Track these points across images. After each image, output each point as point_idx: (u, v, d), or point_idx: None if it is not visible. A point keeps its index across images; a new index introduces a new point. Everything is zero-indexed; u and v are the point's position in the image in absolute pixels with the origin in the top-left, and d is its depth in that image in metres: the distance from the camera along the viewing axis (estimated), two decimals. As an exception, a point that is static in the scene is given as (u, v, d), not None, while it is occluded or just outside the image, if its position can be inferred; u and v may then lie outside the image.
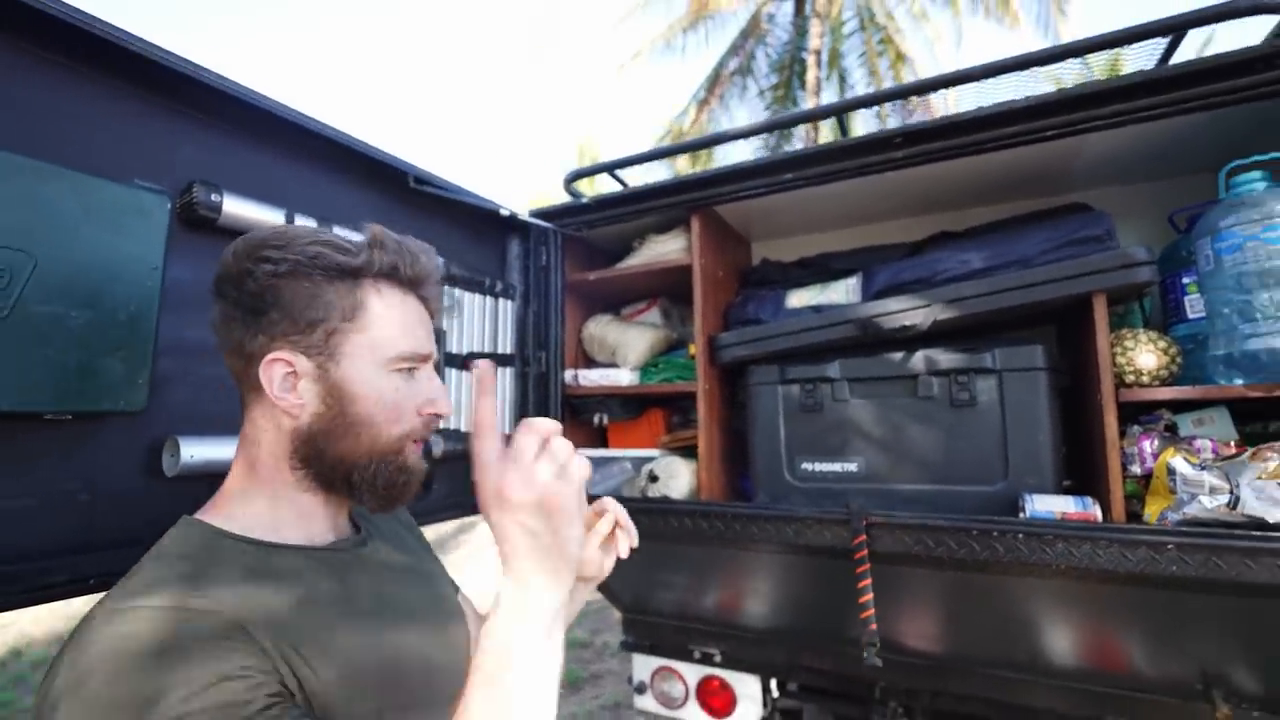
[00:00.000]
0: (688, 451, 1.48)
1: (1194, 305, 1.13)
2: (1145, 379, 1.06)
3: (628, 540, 0.73)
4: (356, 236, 0.65)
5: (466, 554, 6.47)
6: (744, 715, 1.62)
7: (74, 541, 0.76)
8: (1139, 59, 1.10)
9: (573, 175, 1.60)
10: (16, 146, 0.70)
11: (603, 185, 1.96)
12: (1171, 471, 0.96)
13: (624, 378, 1.54)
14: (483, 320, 1.44)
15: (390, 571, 0.68)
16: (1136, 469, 1.05)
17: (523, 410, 1.52)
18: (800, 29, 10.55)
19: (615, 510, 0.73)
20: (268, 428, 0.61)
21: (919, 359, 1.20)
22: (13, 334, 0.68)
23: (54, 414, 0.73)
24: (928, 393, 1.19)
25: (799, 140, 9.40)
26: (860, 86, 10.55)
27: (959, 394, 1.16)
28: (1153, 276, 1.05)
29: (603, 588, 1.38)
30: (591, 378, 1.57)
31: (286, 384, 0.60)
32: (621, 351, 1.59)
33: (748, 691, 1.62)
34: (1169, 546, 0.88)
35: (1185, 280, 1.15)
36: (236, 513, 0.60)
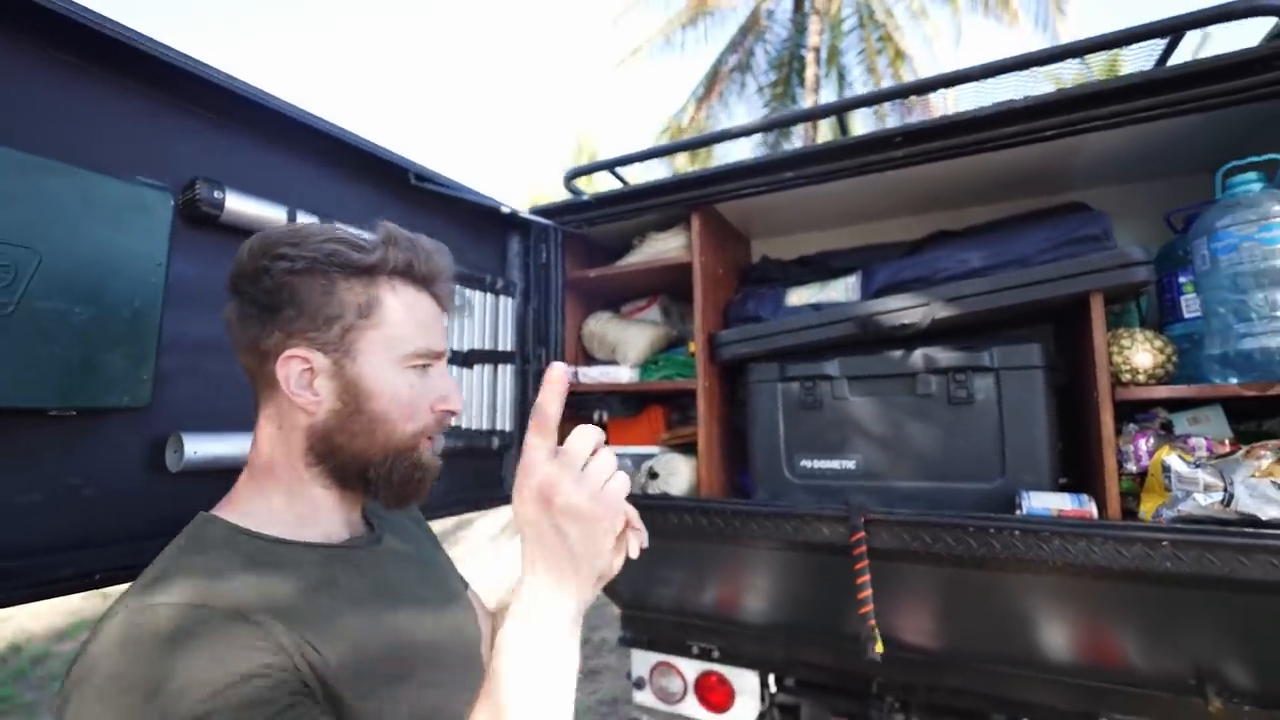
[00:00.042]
0: (687, 448, 1.49)
1: (1190, 305, 1.14)
2: (1141, 378, 1.07)
3: (638, 540, 0.74)
4: (367, 235, 0.65)
5: (465, 550, 6.48)
6: (742, 710, 1.63)
7: (78, 537, 0.77)
8: (1138, 59, 1.10)
9: (573, 173, 1.60)
10: (20, 143, 0.70)
11: (601, 182, 1.96)
12: (1166, 469, 0.97)
13: (624, 375, 1.55)
14: (483, 317, 1.44)
15: (404, 568, 0.68)
16: (1132, 466, 1.06)
17: (523, 407, 1.52)
18: (799, 26, 10.54)
19: (627, 510, 0.74)
20: (283, 424, 0.62)
21: (918, 357, 1.21)
22: (18, 330, 0.68)
23: (59, 410, 0.73)
24: (926, 390, 1.20)
25: (798, 138, 9.40)
26: (859, 84, 10.54)
27: (957, 392, 1.17)
28: (1150, 276, 1.06)
29: (602, 584, 1.39)
30: (592, 375, 1.57)
31: (303, 380, 0.60)
32: (622, 349, 1.59)
33: (746, 687, 1.63)
34: (1163, 543, 0.90)
35: (1182, 280, 1.16)
36: (252, 509, 0.60)
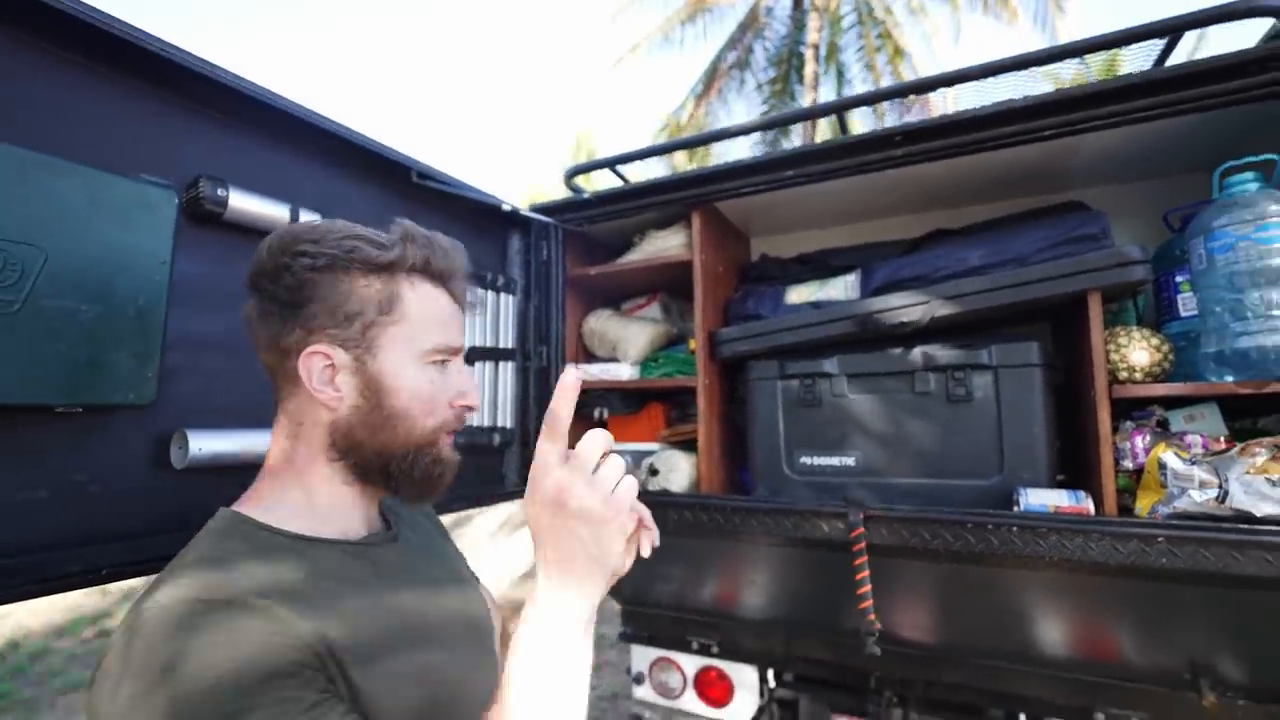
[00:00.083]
0: (687, 445, 1.50)
1: (1187, 303, 1.15)
2: (1138, 376, 1.08)
3: (649, 540, 0.75)
4: (383, 233, 0.65)
5: (465, 547, 6.48)
6: (741, 705, 1.64)
7: (84, 533, 0.77)
8: (1136, 59, 1.11)
9: (573, 170, 1.61)
10: (26, 141, 0.70)
11: (600, 180, 1.96)
12: (1162, 466, 0.98)
13: (624, 372, 1.56)
14: (484, 315, 1.44)
15: (420, 565, 0.69)
16: (1128, 464, 1.07)
17: (524, 405, 1.53)
18: (798, 23, 10.53)
19: (639, 510, 0.75)
20: (304, 421, 0.62)
21: (916, 355, 1.22)
22: (24, 328, 0.68)
23: (65, 407, 0.73)
24: (925, 388, 1.21)
25: (797, 136, 9.39)
26: (858, 81, 10.54)
27: (955, 389, 1.18)
28: (1147, 275, 1.07)
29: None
30: (592, 372, 1.58)
31: (324, 376, 0.60)
32: (622, 346, 1.60)
33: (745, 682, 1.64)
34: (1159, 539, 0.90)
35: (1179, 279, 1.17)
36: (273, 505, 0.61)
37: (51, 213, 0.71)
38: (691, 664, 1.70)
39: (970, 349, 1.17)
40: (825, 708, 1.56)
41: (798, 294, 1.43)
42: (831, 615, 1.45)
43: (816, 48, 10.25)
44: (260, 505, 0.61)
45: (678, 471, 1.44)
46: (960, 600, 1.31)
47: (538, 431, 0.63)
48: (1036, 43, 9.71)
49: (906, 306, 1.21)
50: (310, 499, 0.62)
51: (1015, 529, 0.99)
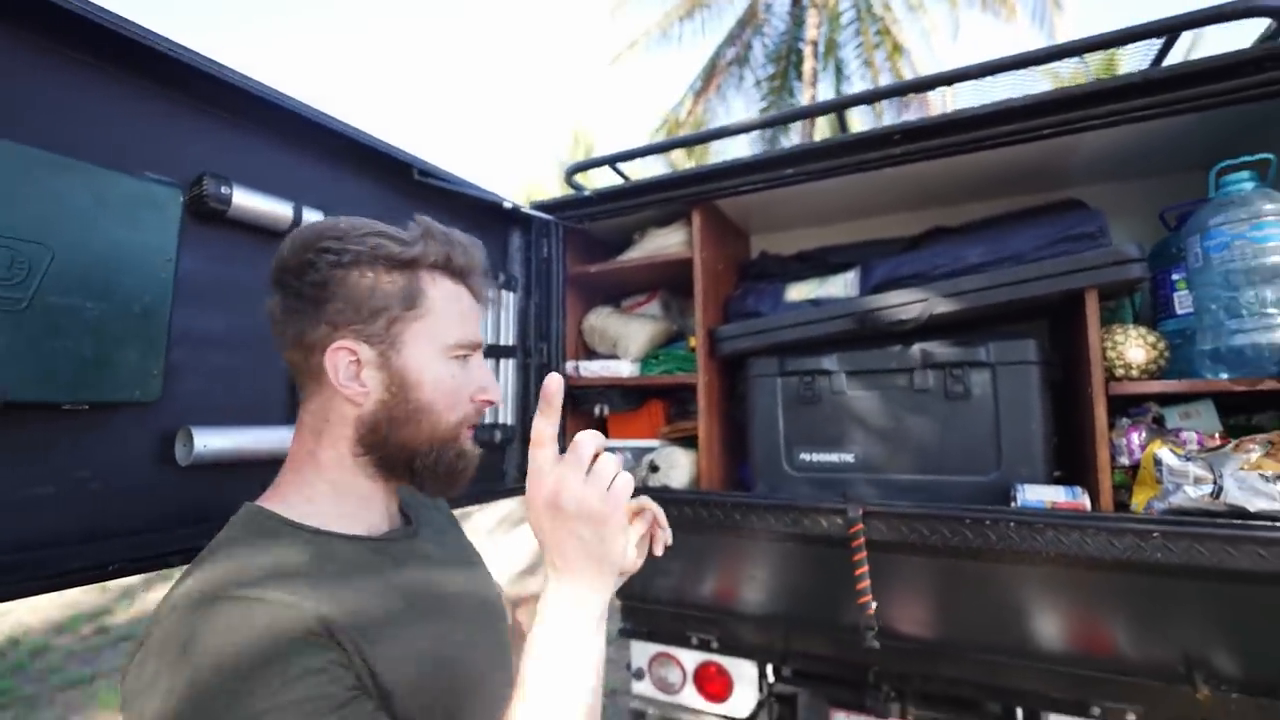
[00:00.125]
0: (687, 442, 1.51)
1: (1183, 301, 1.16)
2: (1134, 373, 1.09)
3: (663, 540, 0.76)
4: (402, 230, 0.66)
5: (462, 544, 6.49)
6: (740, 700, 1.65)
7: (90, 529, 0.78)
8: (1133, 58, 1.12)
9: (574, 168, 1.61)
10: (33, 140, 0.71)
11: (599, 178, 1.97)
12: (1158, 462, 0.99)
13: (624, 369, 1.56)
14: (485, 311, 1.45)
15: (440, 561, 0.69)
16: (1125, 460, 1.08)
17: (525, 401, 1.53)
18: (797, 19, 10.51)
19: (654, 510, 0.76)
20: (330, 416, 0.62)
21: (915, 352, 1.23)
22: (32, 325, 0.69)
23: (71, 404, 0.74)
24: (923, 385, 1.21)
25: (796, 134, 9.39)
26: (856, 77, 10.53)
27: (953, 386, 1.19)
28: (1143, 273, 1.08)
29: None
30: (592, 369, 1.58)
31: (350, 372, 0.61)
32: (622, 343, 1.60)
33: (744, 676, 1.65)
34: (1154, 534, 0.92)
35: (1175, 277, 1.18)
36: (296, 500, 0.61)
37: (58, 211, 0.72)
38: (691, 659, 1.71)
39: (968, 346, 1.18)
40: (824, 702, 1.57)
41: (797, 291, 1.43)
42: (830, 610, 1.46)
43: (815, 44, 10.24)
44: (284, 501, 0.61)
45: (678, 468, 1.44)
46: (958, 595, 1.32)
47: None
48: (1034, 39, 9.72)
49: (905, 304, 1.21)
50: (335, 493, 0.62)
51: (1012, 525, 1.00)
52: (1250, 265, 0.98)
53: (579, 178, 1.62)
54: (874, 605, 1.07)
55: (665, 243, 1.55)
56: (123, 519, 0.81)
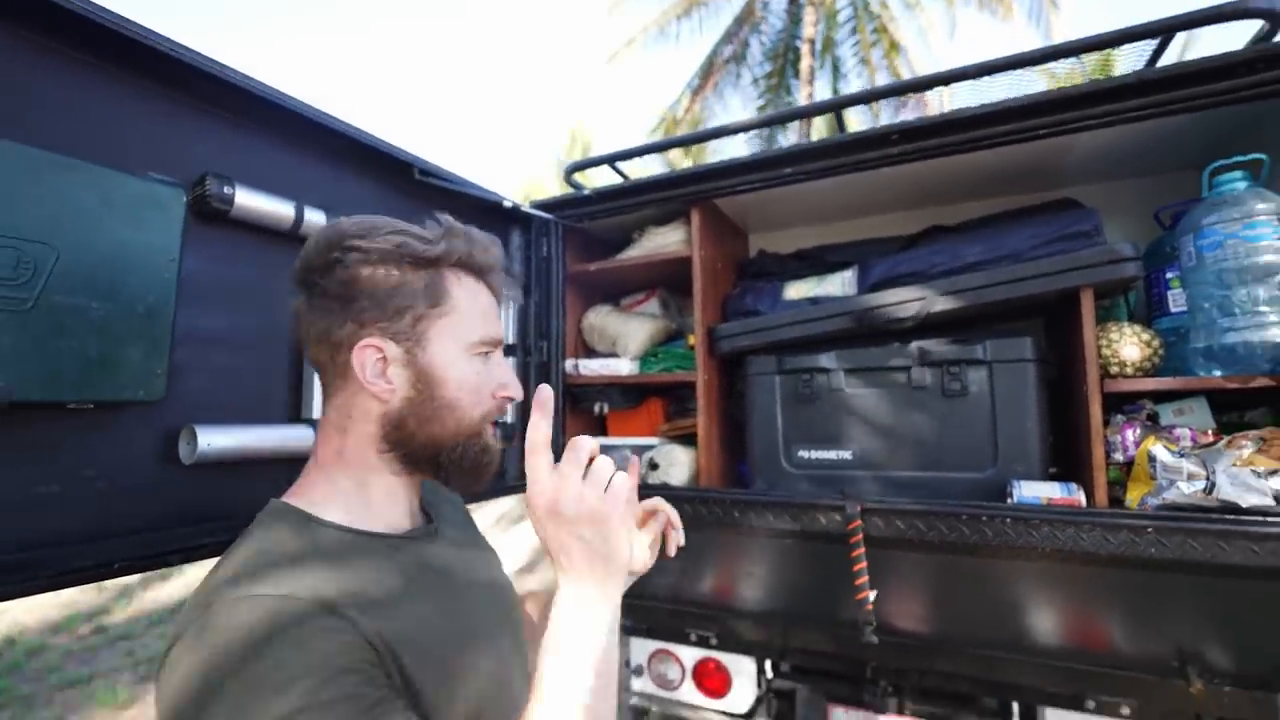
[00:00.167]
0: (687, 439, 1.52)
1: (1176, 300, 1.17)
2: (1129, 370, 1.10)
3: (676, 540, 0.78)
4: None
5: (460, 542, 6.49)
6: (739, 695, 1.66)
7: (95, 528, 0.78)
8: (1129, 59, 1.13)
9: (573, 167, 1.61)
10: (37, 141, 0.71)
11: (598, 177, 1.97)
12: (1152, 459, 1.00)
13: (624, 367, 1.57)
14: (485, 311, 1.45)
15: (460, 559, 0.70)
16: (1119, 456, 1.10)
17: (525, 400, 1.54)
18: (794, 17, 10.52)
19: (667, 511, 0.77)
20: (355, 413, 0.63)
21: (912, 350, 1.24)
22: (37, 325, 0.69)
23: (76, 403, 0.74)
24: (920, 383, 1.23)
25: (793, 133, 9.39)
26: (853, 75, 10.55)
27: (950, 384, 1.20)
28: (1138, 272, 1.09)
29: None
30: (592, 367, 1.59)
31: (377, 369, 0.61)
32: (622, 341, 1.61)
33: (743, 672, 1.66)
34: (1148, 530, 0.93)
35: (1169, 275, 1.19)
36: (321, 497, 0.62)
37: (63, 211, 0.72)
38: (690, 655, 1.72)
39: (965, 344, 1.19)
40: (822, 697, 1.58)
41: (795, 290, 1.44)
42: (829, 607, 1.47)
43: (812, 42, 10.25)
44: (308, 498, 0.61)
45: (677, 465, 1.45)
46: (955, 591, 1.33)
47: None
48: (1031, 38, 9.73)
49: (903, 302, 1.23)
50: (361, 491, 0.63)
51: (1009, 521, 1.01)
52: (1243, 264, 0.99)
53: (578, 177, 1.62)
54: (872, 600, 1.08)
55: (664, 241, 1.56)
56: (127, 518, 0.81)
